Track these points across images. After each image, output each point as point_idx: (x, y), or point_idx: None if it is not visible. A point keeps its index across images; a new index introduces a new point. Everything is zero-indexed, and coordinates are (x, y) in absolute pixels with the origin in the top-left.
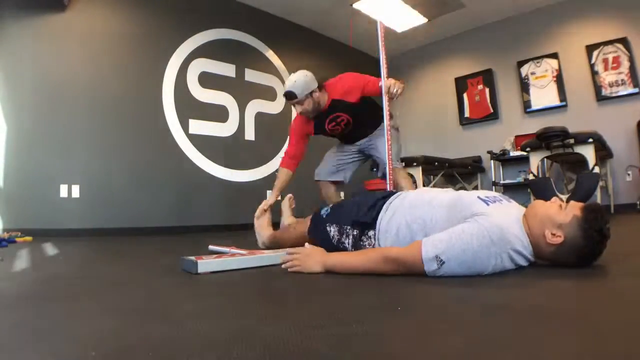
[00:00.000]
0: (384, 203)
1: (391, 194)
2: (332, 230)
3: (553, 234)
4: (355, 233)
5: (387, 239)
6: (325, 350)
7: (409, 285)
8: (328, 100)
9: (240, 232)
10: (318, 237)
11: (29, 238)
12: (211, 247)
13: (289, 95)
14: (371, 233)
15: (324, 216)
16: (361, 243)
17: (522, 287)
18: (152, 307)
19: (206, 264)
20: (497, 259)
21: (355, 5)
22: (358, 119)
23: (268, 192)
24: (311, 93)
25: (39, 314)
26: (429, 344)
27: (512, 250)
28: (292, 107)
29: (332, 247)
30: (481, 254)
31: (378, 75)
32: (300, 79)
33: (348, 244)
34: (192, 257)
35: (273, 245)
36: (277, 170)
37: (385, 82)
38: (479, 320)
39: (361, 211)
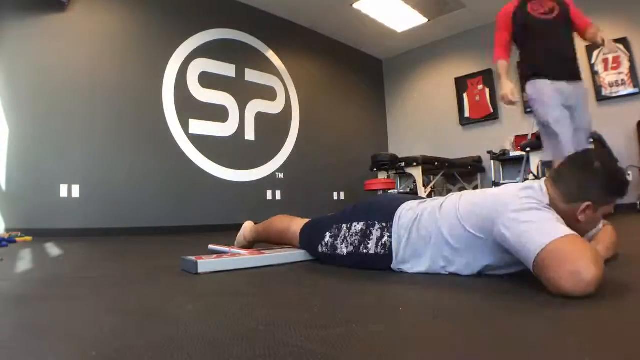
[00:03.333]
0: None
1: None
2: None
3: (582, 211)
4: (382, 225)
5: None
6: (326, 350)
7: (409, 285)
8: None
9: None
10: (310, 246)
11: (28, 238)
12: (211, 247)
13: None
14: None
15: (326, 221)
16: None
17: (521, 288)
18: (152, 307)
19: (206, 264)
20: None
21: (355, 5)
22: (564, 19)
23: (268, 191)
24: None
25: (39, 314)
26: (430, 344)
27: None
28: None
29: (321, 254)
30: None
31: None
32: None
33: (346, 246)
34: (192, 257)
35: (259, 237)
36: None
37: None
38: (480, 320)
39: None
